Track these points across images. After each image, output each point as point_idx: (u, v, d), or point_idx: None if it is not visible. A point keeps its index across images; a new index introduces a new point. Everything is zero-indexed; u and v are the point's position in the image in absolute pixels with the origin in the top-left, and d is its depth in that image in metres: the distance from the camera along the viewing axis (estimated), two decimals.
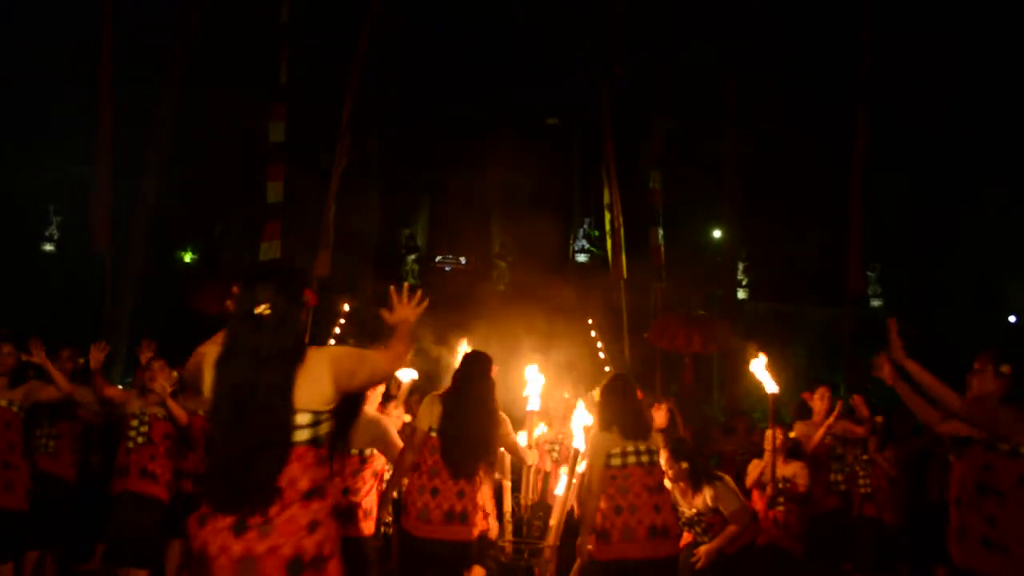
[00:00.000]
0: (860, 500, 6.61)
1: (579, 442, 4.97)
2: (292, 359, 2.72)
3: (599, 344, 13.03)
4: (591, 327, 13.40)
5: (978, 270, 19.76)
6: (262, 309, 2.73)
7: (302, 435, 2.69)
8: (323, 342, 10.61)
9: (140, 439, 5.67)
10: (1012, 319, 18.69)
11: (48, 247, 19.00)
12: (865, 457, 6.62)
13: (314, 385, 2.73)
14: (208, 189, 16.68)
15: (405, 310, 3.21)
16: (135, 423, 5.74)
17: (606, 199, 13.76)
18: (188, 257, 19.96)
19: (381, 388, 5.76)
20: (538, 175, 18.91)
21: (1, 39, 15.99)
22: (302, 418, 2.69)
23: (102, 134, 10.18)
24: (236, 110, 14.69)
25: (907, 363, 3.87)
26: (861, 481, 6.62)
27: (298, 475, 2.66)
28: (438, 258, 21.95)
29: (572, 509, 5.14)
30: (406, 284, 3.29)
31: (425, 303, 3.27)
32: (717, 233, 18.73)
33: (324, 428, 2.75)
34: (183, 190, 16.20)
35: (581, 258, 21.16)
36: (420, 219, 21.93)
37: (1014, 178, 18.12)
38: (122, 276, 11.51)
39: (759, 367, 5.73)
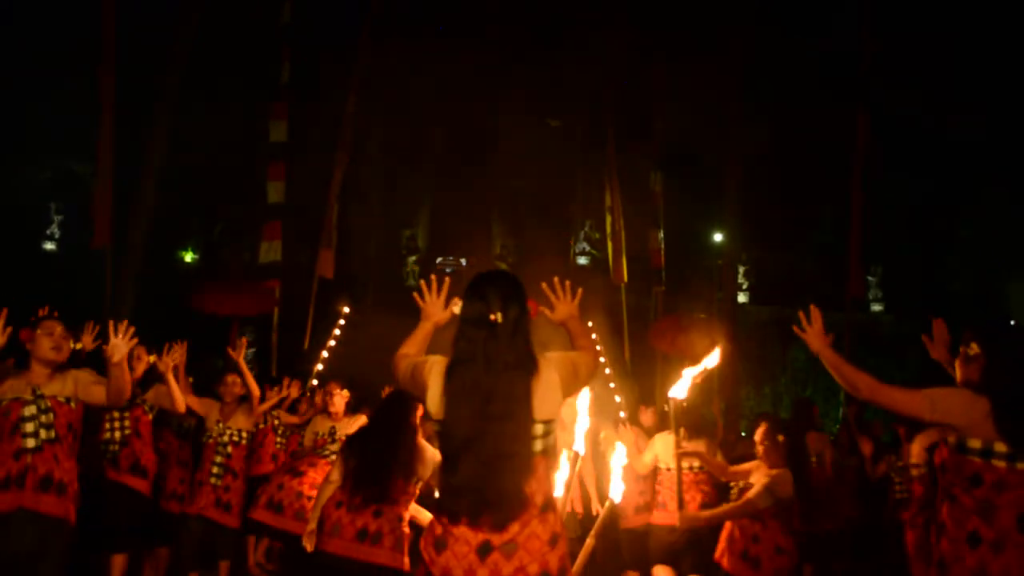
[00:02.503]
0: (895, 506, 6.64)
1: (579, 445, 4.93)
2: (532, 368, 2.68)
3: (599, 347, 13.02)
4: (591, 330, 13.40)
5: (979, 273, 19.76)
6: (496, 316, 2.69)
7: (537, 446, 2.64)
8: (323, 344, 10.60)
9: (45, 433, 3.98)
10: (1012, 323, 18.69)
11: (49, 246, 19.00)
12: (900, 464, 6.60)
13: (547, 394, 2.68)
14: (209, 189, 16.68)
15: (566, 306, 3.15)
16: (28, 412, 3.99)
17: (607, 201, 13.74)
18: (188, 257, 19.95)
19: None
20: (539, 177, 18.90)
21: (2, 38, 16.00)
22: (537, 428, 2.64)
23: (103, 133, 10.16)
24: (237, 109, 14.69)
25: (824, 351, 3.32)
26: (897, 487, 6.65)
27: (535, 488, 2.62)
28: (439, 259, 21.93)
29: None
30: (556, 279, 3.19)
31: (580, 292, 3.20)
32: (718, 236, 18.73)
33: (551, 439, 2.70)
34: (184, 190, 16.19)
35: (582, 260, 21.15)
36: (421, 220, 21.92)
37: (1014, 181, 18.12)
38: (122, 275, 11.49)
39: (689, 374, 4.99)
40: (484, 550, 2.54)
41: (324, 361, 10.10)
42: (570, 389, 2.76)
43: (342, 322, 11.00)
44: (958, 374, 3.34)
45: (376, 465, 4.33)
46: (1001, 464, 2.97)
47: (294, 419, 7.48)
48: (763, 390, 19.00)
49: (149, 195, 12.22)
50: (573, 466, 4.72)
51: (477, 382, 2.61)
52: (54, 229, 19.05)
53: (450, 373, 2.67)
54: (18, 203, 17.74)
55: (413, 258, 21.38)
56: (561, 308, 3.14)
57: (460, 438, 2.61)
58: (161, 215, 13.57)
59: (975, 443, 3.02)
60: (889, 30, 13.78)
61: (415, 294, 3.11)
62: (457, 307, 2.86)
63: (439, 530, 2.61)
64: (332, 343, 10.44)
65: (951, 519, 3.05)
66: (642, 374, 13.10)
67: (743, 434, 10.71)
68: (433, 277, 3.13)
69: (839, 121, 13.40)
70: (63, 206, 18.86)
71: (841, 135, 12.98)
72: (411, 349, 2.96)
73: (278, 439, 7.57)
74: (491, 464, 2.56)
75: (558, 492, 4.60)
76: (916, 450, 5.85)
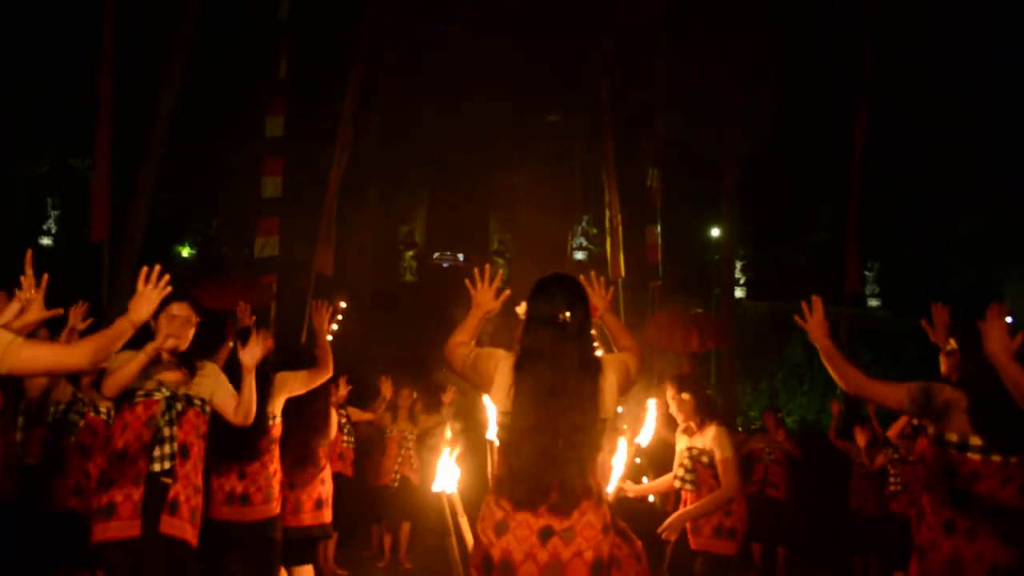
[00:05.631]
0: (888, 498, 6.72)
1: (643, 438, 5.01)
2: (597, 367, 2.82)
3: (596, 343, 13.01)
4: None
5: (976, 269, 19.79)
6: (564, 316, 2.79)
7: (597, 441, 2.79)
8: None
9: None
10: (1009, 320, 18.70)
11: (46, 241, 18.96)
12: (896, 456, 6.68)
13: (608, 393, 2.82)
14: (207, 183, 16.65)
15: (602, 300, 3.24)
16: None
17: (605, 197, 13.75)
18: (186, 252, 19.93)
19: None
20: (537, 172, 18.88)
21: (1, 31, 15.97)
22: (598, 425, 2.79)
23: (101, 127, 10.15)
24: (236, 104, 14.66)
25: (822, 341, 3.26)
26: (891, 479, 6.72)
27: (593, 479, 2.76)
28: (436, 255, 21.94)
29: None
30: (593, 273, 3.28)
31: (611, 290, 3.29)
32: (715, 231, 18.75)
33: (606, 435, 2.84)
34: (181, 184, 16.17)
35: (579, 256, 21.15)
36: (418, 216, 21.92)
37: (1013, 178, 18.14)
38: (120, 270, 11.48)
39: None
40: (545, 534, 2.66)
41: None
42: (624, 389, 2.91)
43: (339, 317, 10.99)
44: (942, 368, 3.46)
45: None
46: (976, 457, 3.07)
47: (366, 415, 7.57)
48: (759, 385, 19.02)
49: (147, 189, 12.20)
50: (632, 454, 4.74)
51: (547, 379, 2.74)
52: (51, 224, 19.02)
53: (519, 368, 2.79)
54: (15, 198, 17.72)
55: (410, 253, 21.38)
56: (597, 303, 3.22)
57: (527, 429, 2.72)
58: (159, 210, 13.57)
59: (952, 436, 3.11)
60: (889, 26, 13.79)
61: (467, 282, 3.18)
62: (521, 308, 2.97)
63: (500, 515, 2.72)
64: (329, 338, 10.43)
65: (929, 507, 3.16)
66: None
67: (739, 429, 10.75)
68: (488, 267, 3.21)
69: (837, 117, 13.42)
70: (60, 201, 18.82)
71: (839, 130, 13.00)
72: (464, 337, 3.05)
73: (345, 437, 7.58)
74: (557, 455, 2.69)
75: (615, 477, 4.56)
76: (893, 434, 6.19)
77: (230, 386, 3.90)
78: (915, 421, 6.57)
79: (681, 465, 4.72)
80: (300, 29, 12.48)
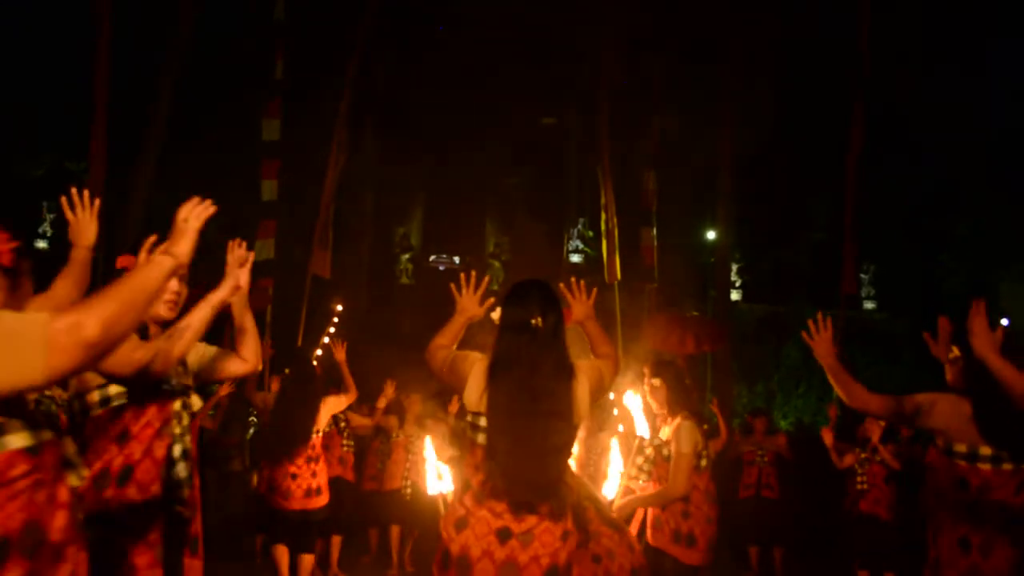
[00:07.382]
0: (856, 497, 6.74)
1: (643, 429, 4.68)
2: (571, 371, 2.83)
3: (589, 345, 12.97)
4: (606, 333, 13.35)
5: (973, 272, 19.80)
6: (537, 322, 2.81)
7: (568, 445, 2.82)
8: (316, 342, 10.59)
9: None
10: (1005, 322, 18.74)
11: (41, 244, 18.93)
12: (864, 456, 6.73)
13: (581, 398, 2.83)
14: (202, 186, 16.62)
15: (583, 306, 3.25)
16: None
17: (601, 199, 13.74)
18: None
19: None
20: (533, 175, 18.88)
21: (1, 32, 15.96)
22: (571, 430, 2.82)
23: (96, 130, 10.13)
24: (233, 106, 14.65)
25: (828, 359, 3.34)
26: (859, 479, 6.74)
27: (562, 485, 2.78)
28: (432, 257, 21.91)
29: None
30: (573, 279, 3.30)
31: (595, 292, 3.29)
32: (711, 234, 18.74)
33: (574, 441, 2.86)
34: (177, 186, 16.13)
35: (575, 258, 21.13)
36: (414, 218, 21.89)
37: (1010, 180, 18.17)
38: (114, 273, 11.45)
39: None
40: (503, 535, 2.67)
41: (318, 359, 10.10)
42: (596, 396, 2.93)
43: (336, 320, 10.97)
44: (947, 376, 3.39)
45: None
46: (986, 467, 3.02)
47: (365, 421, 7.59)
48: (756, 388, 19.02)
49: (142, 192, 12.18)
50: (635, 451, 4.54)
51: (519, 383, 2.75)
52: (46, 227, 18.99)
53: (493, 372, 2.81)
54: (10, 201, 17.67)
55: (406, 256, 21.35)
56: (578, 308, 3.25)
57: (498, 432, 2.74)
58: (154, 212, 13.53)
59: (961, 447, 3.07)
60: (885, 25, 13.81)
61: (452, 286, 3.20)
62: (496, 313, 3.00)
63: (461, 511, 2.76)
64: (326, 340, 10.43)
65: (944, 522, 3.10)
66: (636, 372, 13.08)
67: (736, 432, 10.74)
68: (474, 272, 3.23)
69: (835, 117, 13.42)
70: (55, 204, 18.79)
71: (835, 131, 13.00)
72: (445, 340, 3.09)
73: (344, 441, 7.59)
74: (527, 459, 2.70)
75: (615, 480, 4.46)
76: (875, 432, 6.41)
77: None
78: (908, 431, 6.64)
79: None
80: (296, 30, 12.47)
